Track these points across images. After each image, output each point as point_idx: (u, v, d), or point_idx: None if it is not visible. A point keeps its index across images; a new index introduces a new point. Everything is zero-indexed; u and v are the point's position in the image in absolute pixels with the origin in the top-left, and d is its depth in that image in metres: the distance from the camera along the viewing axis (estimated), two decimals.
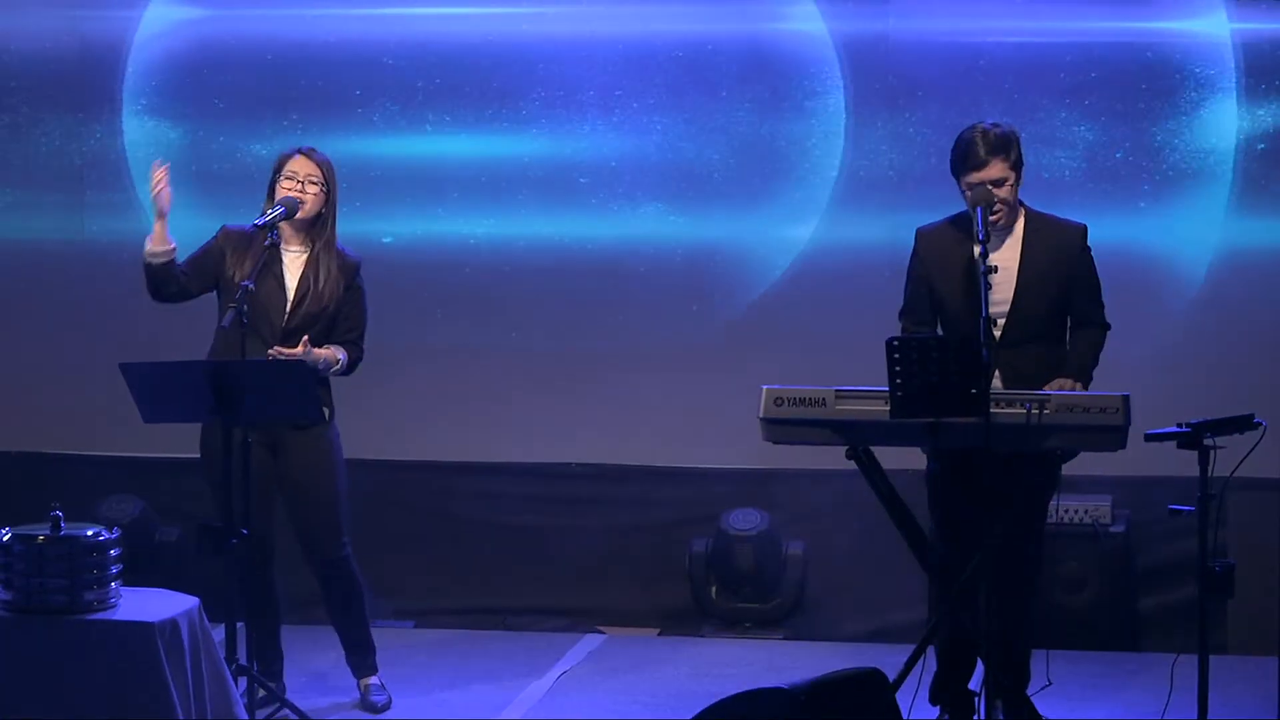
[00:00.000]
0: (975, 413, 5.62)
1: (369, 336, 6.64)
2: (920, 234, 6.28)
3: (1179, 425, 5.57)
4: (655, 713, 6.75)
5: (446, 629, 7.92)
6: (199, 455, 6.58)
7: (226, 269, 6.48)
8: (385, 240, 7.99)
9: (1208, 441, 5.53)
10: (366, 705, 6.72)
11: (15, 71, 8.25)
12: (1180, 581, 7.43)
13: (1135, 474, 7.32)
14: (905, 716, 5.22)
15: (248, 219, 6.52)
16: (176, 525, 8.02)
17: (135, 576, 6.15)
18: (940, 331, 6.18)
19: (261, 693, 6.29)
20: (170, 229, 6.44)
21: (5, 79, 8.26)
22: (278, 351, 6.33)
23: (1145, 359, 7.27)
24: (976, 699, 6.04)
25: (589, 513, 8.07)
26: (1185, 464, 5.64)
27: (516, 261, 8.06)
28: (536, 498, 8.10)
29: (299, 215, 6.47)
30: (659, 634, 7.92)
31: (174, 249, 6.44)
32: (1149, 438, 5.67)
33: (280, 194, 6.48)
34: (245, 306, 6.19)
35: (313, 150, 6.56)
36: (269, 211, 6.41)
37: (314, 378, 6.18)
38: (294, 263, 6.52)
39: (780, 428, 5.92)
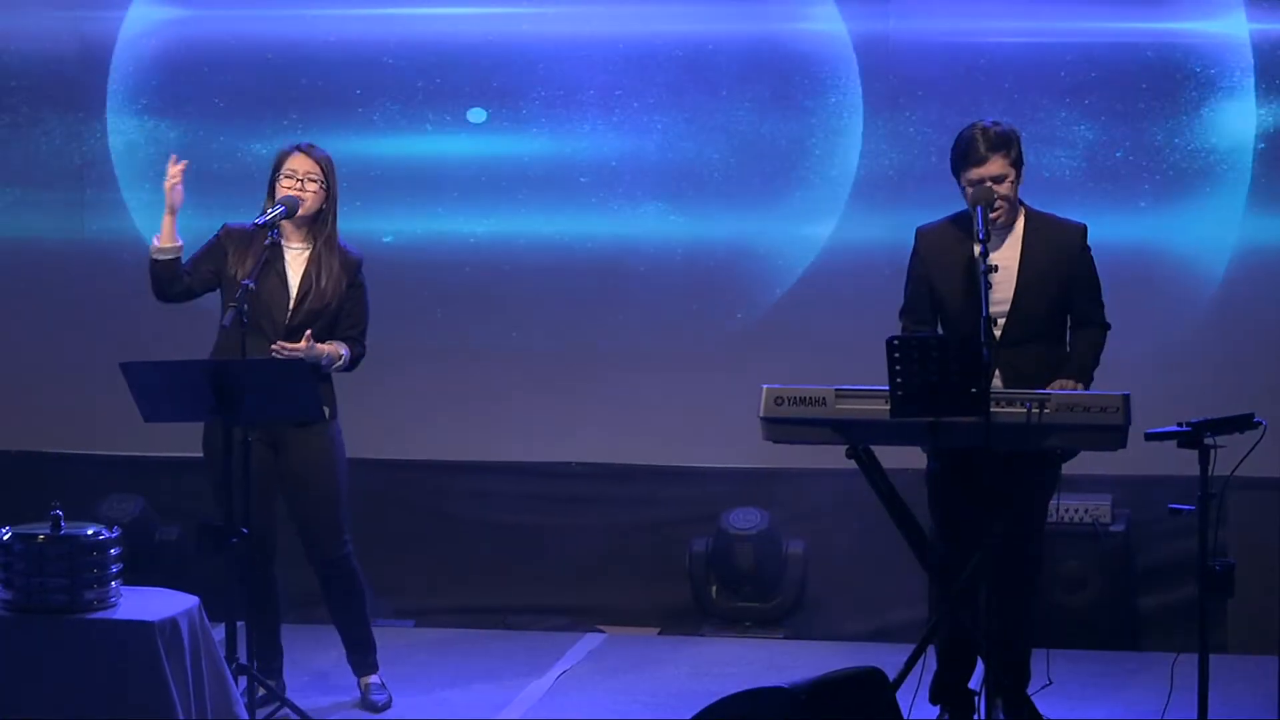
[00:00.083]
0: (975, 412, 5.62)
1: (370, 334, 6.64)
2: (920, 233, 6.28)
3: (1179, 424, 5.57)
4: (655, 712, 6.75)
5: (447, 628, 7.92)
6: (200, 455, 6.59)
7: (229, 268, 6.48)
8: (385, 239, 7.99)
9: (1208, 441, 5.53)
10: (367, 704, 6.72)
11: (15, 71, 8.25)
12: (1180, 581, 7.43)
13: (1135, 473, 7.32)
14: (905, 716, 5.21)
15: (248, 219, 6.52)
16: (176, 524, 8.02)
17: (135, 576, 6.15)
18: (940, 331, 6.19)
19: (261, 692, 6.30)
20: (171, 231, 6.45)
21: (5, 78, 8.26)
22: (280, 347, 6.34)
23: (1146, 358, 7.27)
24: (977, 698, 6.04)
25: (589, 512, 8.07)
26: (1185, 463, 5.64)
27: (516, 261, 8.07)
28: (536, 497, 8.10)
29: (299, 213, 6.47)
30: (659, 633, 7.92)
31: (180, 247, 6.45)
32: (1149, 437, 5.67)
33: (280, 193, 6.48)
34: (246, 306, 6.19)
35: (311, 147, 6.55)
36: (269, 210, 6.41)
37: (314, 377, 6.17)
38: (296, 260, 6.52)
39: (780, 427, 5.92)
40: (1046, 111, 7.68)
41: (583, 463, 8.11)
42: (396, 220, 8.06)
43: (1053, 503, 6.20)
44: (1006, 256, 6.07)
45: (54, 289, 8.30)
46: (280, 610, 6.70)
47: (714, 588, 7.87)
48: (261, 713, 6.26)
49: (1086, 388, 6.00)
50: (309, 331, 6.38)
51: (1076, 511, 7.51)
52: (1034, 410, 5.70)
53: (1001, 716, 5.96)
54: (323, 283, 6.49)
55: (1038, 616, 6.34)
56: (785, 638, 7.78)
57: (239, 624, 6.13)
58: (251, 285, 6.22)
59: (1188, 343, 7.61)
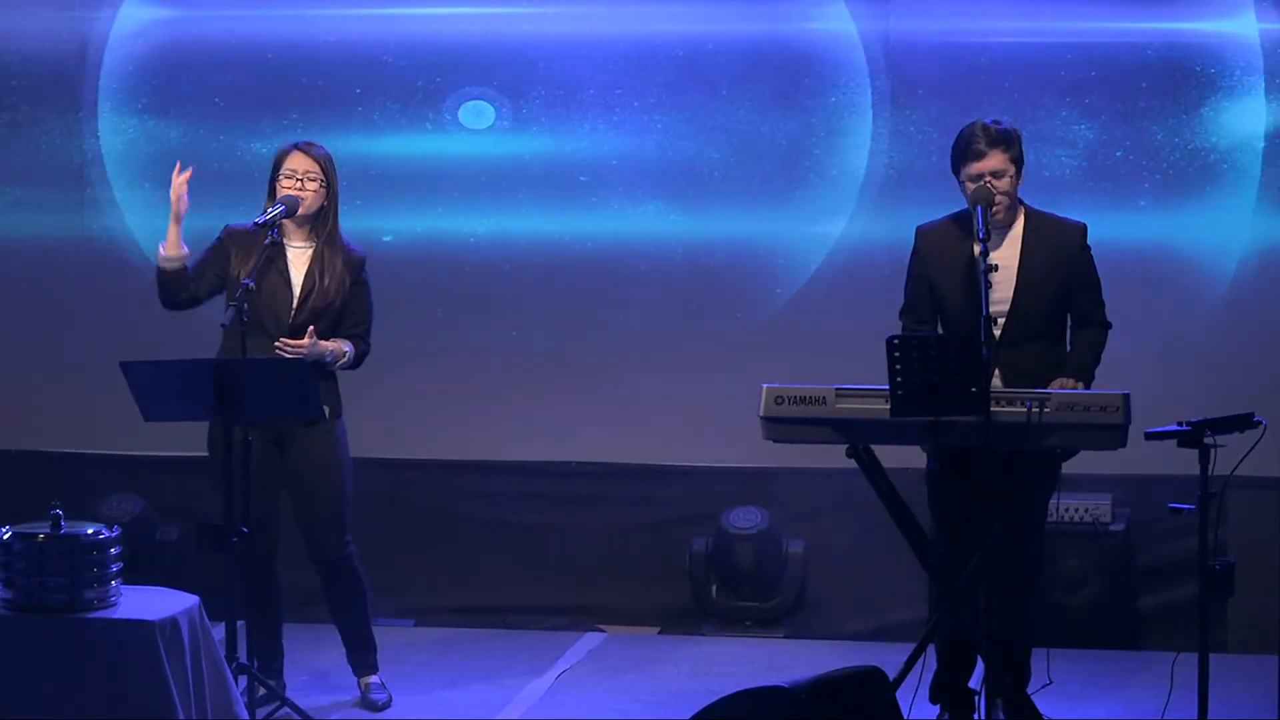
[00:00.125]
0: (975, 411, 5.62)
1: (370, 333, 6.64)
2: (920, 232, 6.28)
3: (1179, 424, 5.57)
4: (655, 711, 6.75)
5: (447, 627, 7.92)
6: (201, 454, 6.59)
7: (232, 269, 6.48)
8: (386, 239, 7.99)
9: (1208, 440, 5.53)
10: (367, 704, 6.72)
11: (15, 70, 8.25)
12: (1180, 580, 7.43)
13: (1136, 472, 7.32)
14: (905, 715, 5.21)
15: (249, 218, 6.52)
16: (177, 524, 8.02)
17: (135, 575, 6.15)
18: (940, 330, 6.18)
19: (262, 691, 6.30)
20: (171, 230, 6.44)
21: (5, 77, 8.26)
22: (283, 344, 6.33)
23: (1146, 357, 7.26)
24: (977, 697, 6.04)
25: (589, 511, 8.07)
26: (1186, 462, 5.64)
27: (516, 260, 8.07)
28: (537, 496, 8.10)
29: (300, 212, 6.47)
30: (659, 633, 7.92)
31: (186, 255, 6.43)
32: (1149, 436, 5.67)
33: (280, 192, 6.48)
34: (246, 305, 6.19)
35: (311, 145, 6.55)
36: (269, 210, 6.41)
37: (314, 376, 6.17)
38: (298, 258, 6.52)
39: (780, 426, 5.92)
40: (1047, 111, 7.68)
41: (583, 462, 8.11)
42: (396, 219, 8.06)
43: (1053, 502, 6.20)
44: (1006, 256, 6.07)
45: (54, 288, 8.30)
46: (282, 610, 6.69)
47: (714, 587, 7.88)
48: (261, 712, 6.27)
49: (1087, 387, 6.00)
50: (312, 328, 6.38)
51: (1076, 511, 7.51)
52: (1034, 409, 5.70)
53: (1001, 716, 5.96)
54: (326, 281, 6.49)
55: (1038, 616, 6.34)
56: (785, 637, 7.78)
57: (239, 623, 6.13)
58: (251, 285, 6.22)
59: (1188, 342, 7.61)
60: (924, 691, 6.20)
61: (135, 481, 8.12)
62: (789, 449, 6.23)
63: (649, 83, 7.93)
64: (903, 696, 5.47)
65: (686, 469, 8.02)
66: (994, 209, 6.00)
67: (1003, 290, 6.01)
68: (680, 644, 7.71)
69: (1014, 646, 6.14)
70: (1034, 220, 6.18)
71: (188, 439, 6.78)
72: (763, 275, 7.93)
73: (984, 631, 5.87)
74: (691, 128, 7.94)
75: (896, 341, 5.66)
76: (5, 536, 5.66)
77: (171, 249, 6.42)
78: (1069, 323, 6.23)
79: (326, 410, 6.33)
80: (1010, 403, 5.73)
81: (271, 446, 6.50)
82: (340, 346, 6.48)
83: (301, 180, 6.46)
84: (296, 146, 6.53)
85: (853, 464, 6.02)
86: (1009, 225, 6.14)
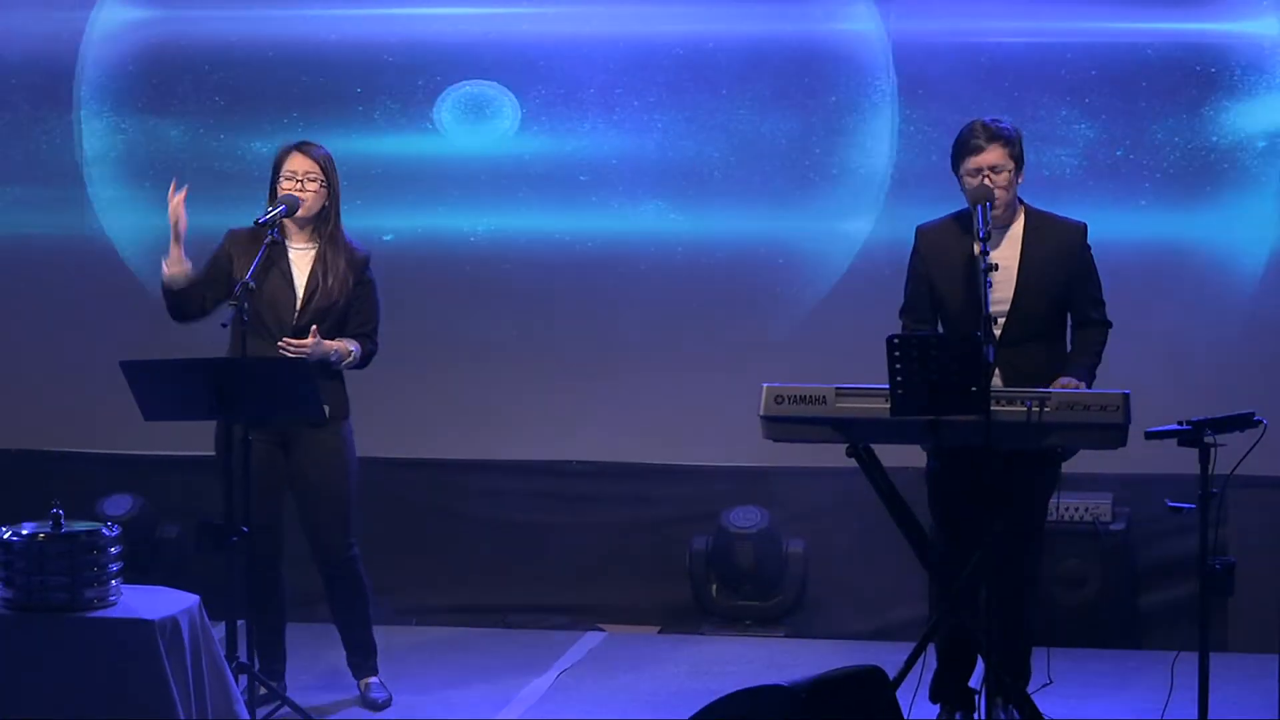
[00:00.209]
0: (975, 410, 5.62)
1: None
2: (920, 231, 6.28)
3: (1179, 423, 5.57)
4: (655, 711, 6.75)
5: (447, 627, 7.92)
6: (203, 453, 6.59)
7: (235, 271, 6.46)
8: (386, 238, 7.99)
9: (1208, 439, 5.53)
10: (367, 703, 6.72)
11: (16, 68, 8.25)
12: (1181, 579, 7.43)
13: (1136, 472, 7.32)
14: (906, 714, 5.21)
15: (248, 216, 6.52)
16: (177, 523, 8.02)
17: (136, 574, 6.14)
18: (941, 329, 6.18)
19: (262, 690, 6.30)
20: (168, 230, 6.43)
21: (6, 76, 8.26)
22: (286, 344, 6.33)
23: (1146, 356, 7.26)
24: (977, 697, 6.04)
25: (589, 511, 8.07)
26: (1186, 462, 5.64)
27: (516, 259, 8.07)
28: (537, 496, 8.11)
29: (302, 213, 6.46)
30: (659, 632, 7.92)
31: (190, 269, 6.42)
32: (1150, 435, 5.67)
33: (281, 193, 6.48)
34: (245, 304, 6.18)
35: (310, 145, 6.55)
36: (269, 210, 6.40)
37: (314, 376, 6.16)
38: (301, 259, 6.52)
39: (781, 425, 5.92)
40: (1047, 110, 7.68)
41: (583, 461, 8.11)
42: (397, 219, 8.06)
43: (1053, 501, 6.20)
44: (1007, 255, 6.07)
45: (54, 287, 8.30)
46: (285, 613, 6.69)
47: (714, 586, 7.88)
48: (262, 711, 6.27)
49: (1088, 386, 5.99)
50: (314, 327, 6.38)
51: (1077, 510, 7.51)
52: (1034, 409, 5.70)
53: (1002, 715, 5.96)
54: (329, 282, 6.48)
55: (1038, 615, 6.34)
56: (785, 636, 7.78)
57: (239, 622, 6.12)
58: (251, 283, 6.22)
59: (1188, 341, 7.60)
60: (924, 691, 6.20)
61: (135, 481, 8.12)
62: (789, 448, 6.23)
63: (649, 82, 7.93)
64: (903, 696, 5.47)
65: (687, 468, 8.02)
66: (994, 205, 6.00)
67: (1003, 290, 6.01)
68: (680, 643, 7.71)
69: (1014, 645, 6.14)
70: (1034, 220, 6.18)
71: (188, 438, 6.78)
72: (763, 274, 7.93)
73: (984, 631, 5.87)
74: (692, 127, 7.94)
75: (897, 341, 5.66)
76: (5, 535, 5.66)
77: (174, 266, 6.41)
78: (1069, 322, 6.23)
79: (327, 410, 6.32)
80: (1010, 402, 5.72)
81: (276, 448, 6.50)
82: (346, 346, 6.48)
83: (301, 180, 6.46)
84: (296, 147, 6.53)
85: (853, 463, 6.02)
86: (1008, 225, 6.14)
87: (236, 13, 8.11)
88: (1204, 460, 5.52)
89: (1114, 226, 7.36)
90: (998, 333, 5.98)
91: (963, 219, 6.13)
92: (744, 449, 7.57)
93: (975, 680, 6.16)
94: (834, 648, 7.47)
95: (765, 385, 5.93)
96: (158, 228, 7.66)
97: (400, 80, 8.05)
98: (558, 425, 8.05)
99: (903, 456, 6.19)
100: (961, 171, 6.09)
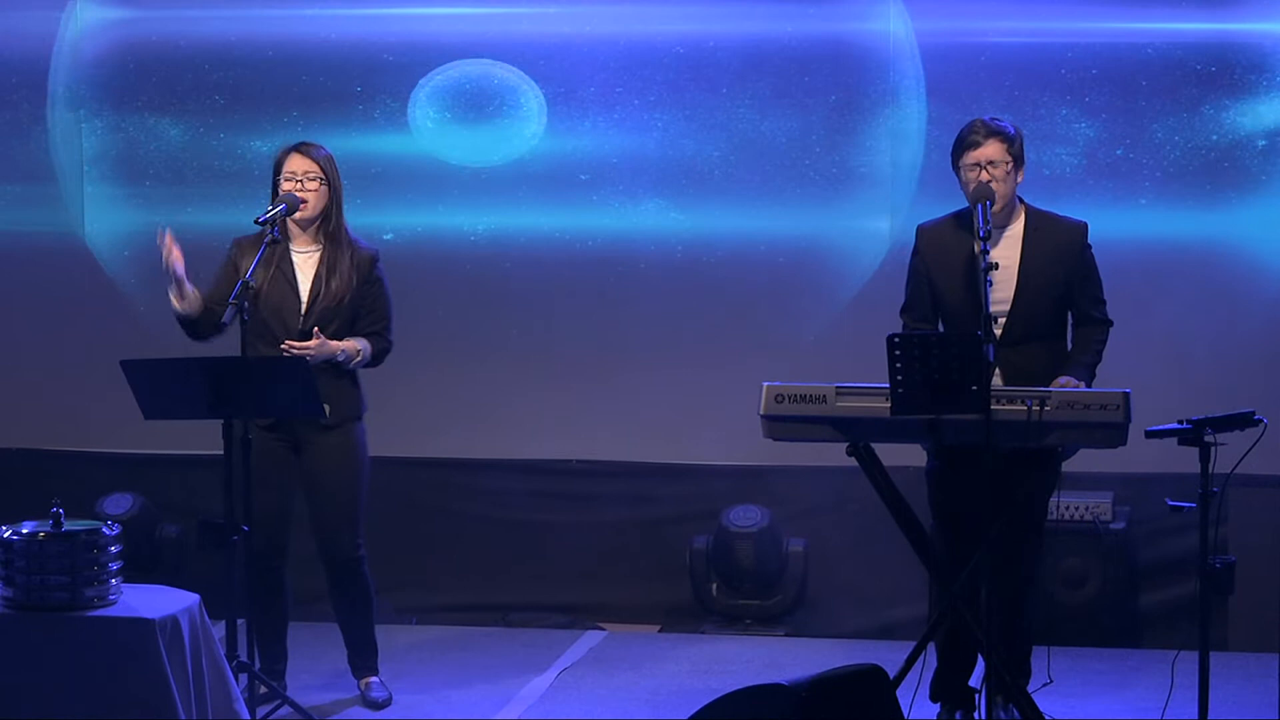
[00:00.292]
0: (976, 409, 5.62)
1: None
2: (921, 231, 6.28)
3: (1180, 422, 5.57)
4: (656, 709, 6.75)
5: (447, 626, 7.92)
6: (203, 452, 6.58)
7: (243, 275, 6.44)
8: (386, 237, 7.99)
9: (1208, 438, 5.53)
10: (367, 702, 6.72)
11: (16, 67, 8.25)
12: (1181, 578, 7.42)
13: (1136, 471, 7.32)
14: (906, 713, 5.21)
15: (248, 215, 6.52)
16: (177, 522, 8.02)
17: (136, 573, 6.14)
18: (941, 328, 6.18)
19: (262, 689, 6.30)
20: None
21: (7, 74, 8.26)
22: (289, 345, 6.33)
23: (1146, 355, 7.26)
24: (977, 696, 6.04)
25: (590, 509, 8.07)
26: (1186, 461, 5.64)
27: (517, 258, 8.07)
28: (537, 494, 8.10)
29: (304, 215, 6.45)
30: (660, 631, 7.92)
31: (198, 296, 6.41)
32: (1150, 434, 5.67)
33: (281, 194, 6.47)
34: (245, 303, 6.18)
35: (309, 145, 6.54)
36: (270, 209, 6.39)
37: (313, 376, 6.15)
38: (306, 263, 6.51)
39: (781, 424, 5.92)
40: (1047, 109, 7.68)
41: (583, 460, 8.11)
42: (397, 217, 8.06)
43: (1053, 500, 6.20)
44: (1007, 255, 6.07)
45: (55, 286, 8.30)
46: (288, 614, 6.69)
47: (715, 585, 7.87)
48: (262, 710, 6.27)
49: (1088, 385, 5.99)
50: (315, 328, 6.38)
51: (1077, 509, 7.51)
52: (1034, 408, 5.70)
53: (1002, 714, 5.96)
54: (333, 284, 6.47)
55: (1038, 614, 6.33)
56: (786, 635, 7.78)
57: (239, 621, 6.12)
58: (251, 282, 6.21)
59: (1189, 339, 7.60)
60: (924, 690, 6.20)
61: (135, 480, 8.11)
62: (789, 447, 6.23)
63: (649, 81, 7.93)
64: (903, 695, 5.47)
65: (687, 467, 8.02)
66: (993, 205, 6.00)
67: (1004, 289, 6.02)
68: (681, 642, 7.71)
69: (1014, 644, 6.14)
70: (1035, 219, 6.18)
71: (188, 437, 6.78)
72: (763, 273, 7.92)
73: (984, 629, 5.87)
74: (692, 126, 7.94)
75: (897, 340, 5.66)
76: (6, 534, 5.66)
77: (182, 301, 6.39)
78: (1069, 321, 6.23)
79: (327, 409, 6.32)
80: (1010, 401, 5.73)
81: (288, 448, 6.50)
82: (354, 345, 6.47)
83: (301, 181, 6.46)
84: (296, 148, 6.52)
85: (853, 462, 6.02)
86: (1008, 224, 6.14)
87: (236, 12, 8.11)
88: (1204, 459, 5.52)
89: (1114, 225, 7.36)
90: (998, 332, 5.98)
91: (963, 218, 6.13)
92: (744, 448, 7.57)
93: (975, 679, 6.16)
94: (834, 646, 7.47)
95: (765, 384, 5.93)
96: (158, 226, 7.64)
97: (400, 79, 8.05)
98: (558, 424, 8.05)
99: (903, 455, 6.19)
100: (960, 167, 6.10)
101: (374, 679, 6.76)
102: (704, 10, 7.89)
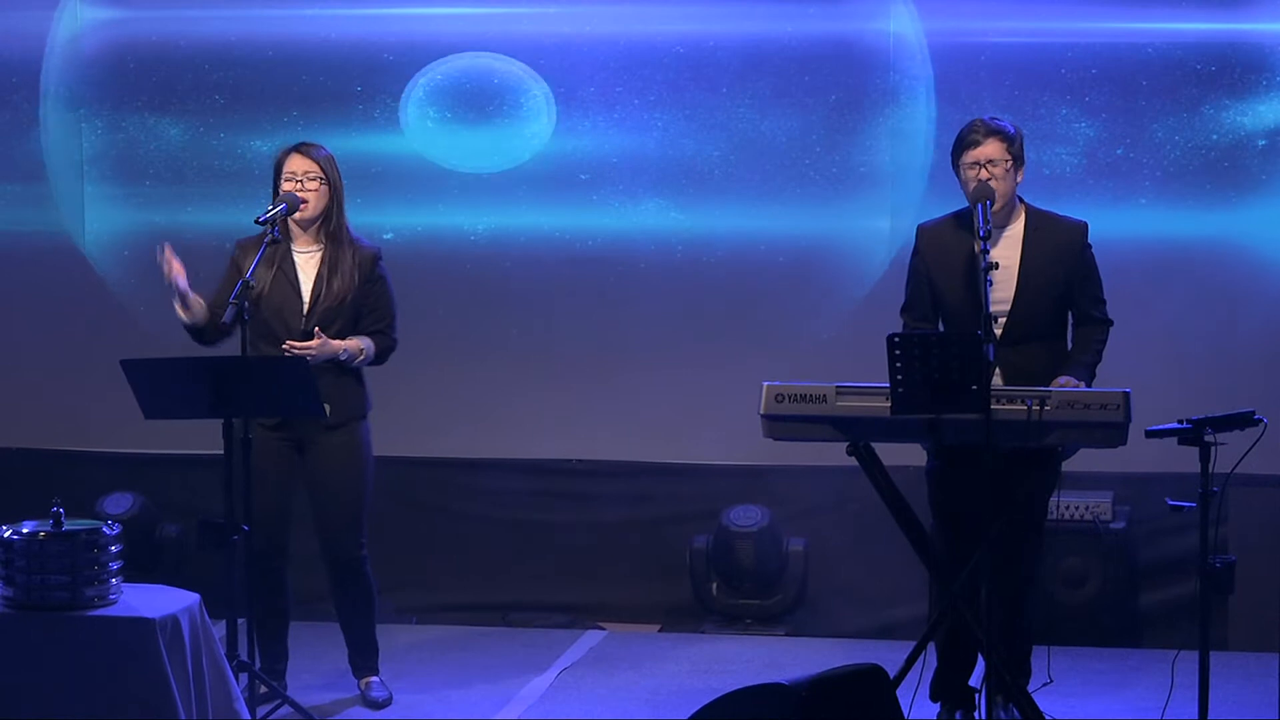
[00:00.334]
0: (976, 409, 5.62)
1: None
2: (921, 230, 6.28)
3: (1180, 422, 5.57)
4: (656, 709, 6.75)
5: (448, 625, 7.92)
6: (203, 451, 6.58)
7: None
8: (386, 236, 7.99)
9: (1208, 438, 5.53)
10: (368, 701, 6.72)
11: (16, 67, 8.25)
12: (1181, 578, 7.42)
13: (1136, 470, 7.32)
14: (906, 713, 5.21)
15: (248, 215, 6.52)
16: (177, 521, 8.02)
17: (136, 573, 6.14)
18: (941, 328, 6.18)
19: (263, 689, 6.30)
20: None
21: (6, 74, 8.26)
22: (290, 346, 6.33)
23: (1147, 355, 7.26)
24: (977, 695, 6.05)
25: (590, 509, 8.07)
26: (1186, 460, 5.64)
27: (517, 257, 8.07)
28: (537, 494, 8.10)
29: (305, 215, 6.45)
30: (660, 630, 7.92)
31: (204, 305, 6.40)
32: (1150, 434, 5.67)
33: (282, 193, 6.47)
34: (245, 302, 6.18)
35: (309, 145, 6.54)
36: (270, 208, 6.39)
37: (312, 375, 6.15)
38: (307, 264, 6.51)
39: (781, 424, 5.92)
40: (1047, 109, 7.68)
41: (583, 459, 8.11)
42: (397, 217, 8.06)
43: (1053, 500, 6.20)
44: (1007, 255, 6.07)
45: (55, 285, 8.30)
46: (289, 615, 6.69)
47: (715, 585, 7.88)
48: (262, 710, 6.27)
49: (1088, 385, 6.00)
50: (316, 328, 6.38)
51: (1077, 508, 7.51)
52: (1034, 407, 5.70)
53: (1002, 714, 5.96)
54: (335, 284, 6.47)
55: (1038, 614, 6.33)
56: (786, 635, 7.78)
57: (240, 620, 6.12)
58: (251, 281, 6.21)
59: (1189, 339, 7.60)
60: (924, 689, 6.20)
61: (136, 479, 8.11)
62: (789, 447, 6.23)
63: (649, 81, 7.93)
64: (903, 694, 5.47)
65: (687, 466, 8.02)
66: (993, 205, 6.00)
67: (1004, 289, 6.02)
68: (681, 642, 7.71)
69: (1014, 644, 6.14)
70: (1035, 219, 6.18)
71: (188, 437, 6.77)
72: (763, 272, 7.92)
73: (984, 629, 5.87)
74: (692, 126, 7.94)
75: (897, 339, 5.66)
76: (6, 534, 5.66)
77: (184, 313, 6.39)
78: (1070, 321, 6.23)
79: (328, 409, 6.31)
80: (1010, 400, 5.73)
81: (291, 448, 6.50)
82: (357, 344, 6.47)
83: (301, 181, 6.46)
84: (296, 148, 6.52)
85: (853, 462, 6.02)
86: (1007, 223, 6.14)
87: (236, 12, 8.11)
88: (1204, 459, 5.52)
89: (1114, 225, 7.36)
90: (998, 332, 5.98)
91: (963, 218, 6.13)
92: (744, 447, 7.57)
93: (975, 679, 6.16)
94: (834, 646, 7.47)
95: (765, 384, 5.93)
96: (158, 225, 7.67)
97: (400, 79, 8.05)
98: (558, 424, 8.05)
99: (903, 455, 6.19)
100: (960, 166, 6.10)
101: (374, 679, 6.76)
102: (704, 10, 7.89)
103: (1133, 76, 7.64)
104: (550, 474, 8.11)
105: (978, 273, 5.82)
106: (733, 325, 7.95)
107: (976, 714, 6.09)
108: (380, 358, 6.58)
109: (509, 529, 8.11)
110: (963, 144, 6.09)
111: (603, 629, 7.90)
